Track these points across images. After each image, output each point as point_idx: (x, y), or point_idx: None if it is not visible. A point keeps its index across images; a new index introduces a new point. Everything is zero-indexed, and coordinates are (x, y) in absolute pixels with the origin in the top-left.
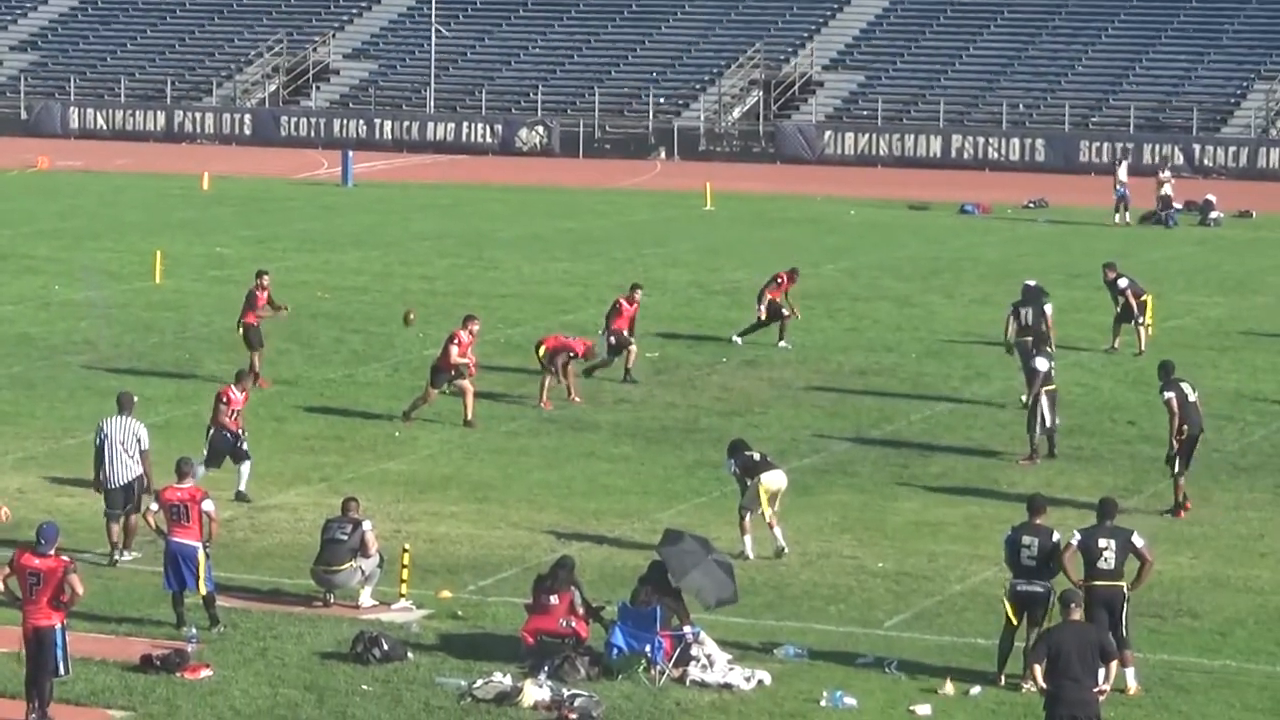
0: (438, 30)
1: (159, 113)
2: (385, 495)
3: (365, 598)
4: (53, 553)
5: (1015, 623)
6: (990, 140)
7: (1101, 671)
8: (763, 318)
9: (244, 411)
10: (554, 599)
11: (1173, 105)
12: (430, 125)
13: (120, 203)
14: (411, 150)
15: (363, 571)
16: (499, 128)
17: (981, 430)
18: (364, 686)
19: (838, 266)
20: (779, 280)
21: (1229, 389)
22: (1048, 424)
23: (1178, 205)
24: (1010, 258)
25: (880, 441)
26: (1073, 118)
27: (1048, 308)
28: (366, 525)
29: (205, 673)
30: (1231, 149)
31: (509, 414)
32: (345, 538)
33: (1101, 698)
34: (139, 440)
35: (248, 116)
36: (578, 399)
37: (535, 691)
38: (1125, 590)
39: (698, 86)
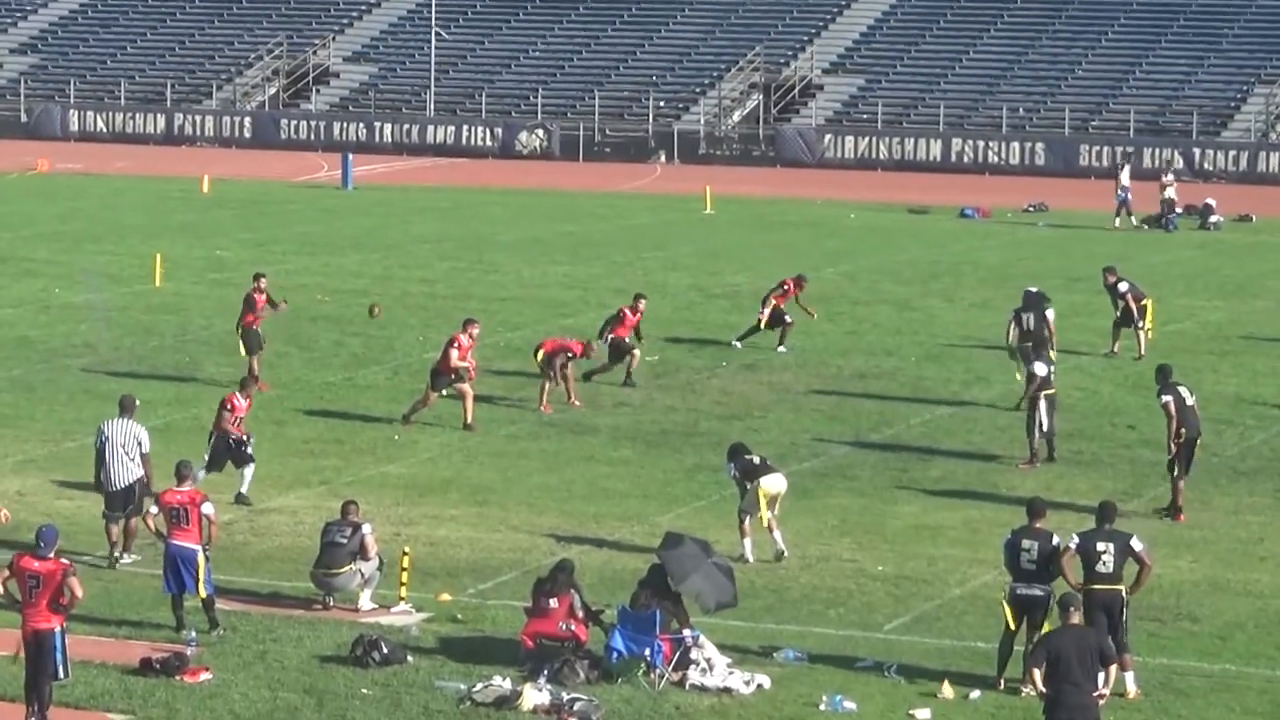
0: (438, 33)
1: (159, 115)
2: (385, 498)
3: (365, 601)
4: (52, 556)
5: (1015, 626)
6: (990, 144)
7: (1101, 675)
8: (763, 322)
9: (245, 416)
10: (553, 602)
11: (1173, 109)
12: (430, 128)
13: (120, 206)
14: (411, 153)
15: (362, 575)
16: (499, 131)
17: (981, 434)
18: (363, 690)
19: (838, 270)
20: (785, 287)
21: (1229, 393)
22: (1045, 428)
23: (1179, 209)
24: (1010, 261)
25: (880, 445)
26: (1073, 122)
27: (1049, 313)
28: (366, 528)
29: (205, 676)
30: (1231, 153)
31: (509, 417)
32: (345, 541)
33: (1101, 702)
34: (140, 443)
35: (248, 119)
36: (577, 403)
37: (535, 695)
38: (1124, 594)
39: (698, 90)
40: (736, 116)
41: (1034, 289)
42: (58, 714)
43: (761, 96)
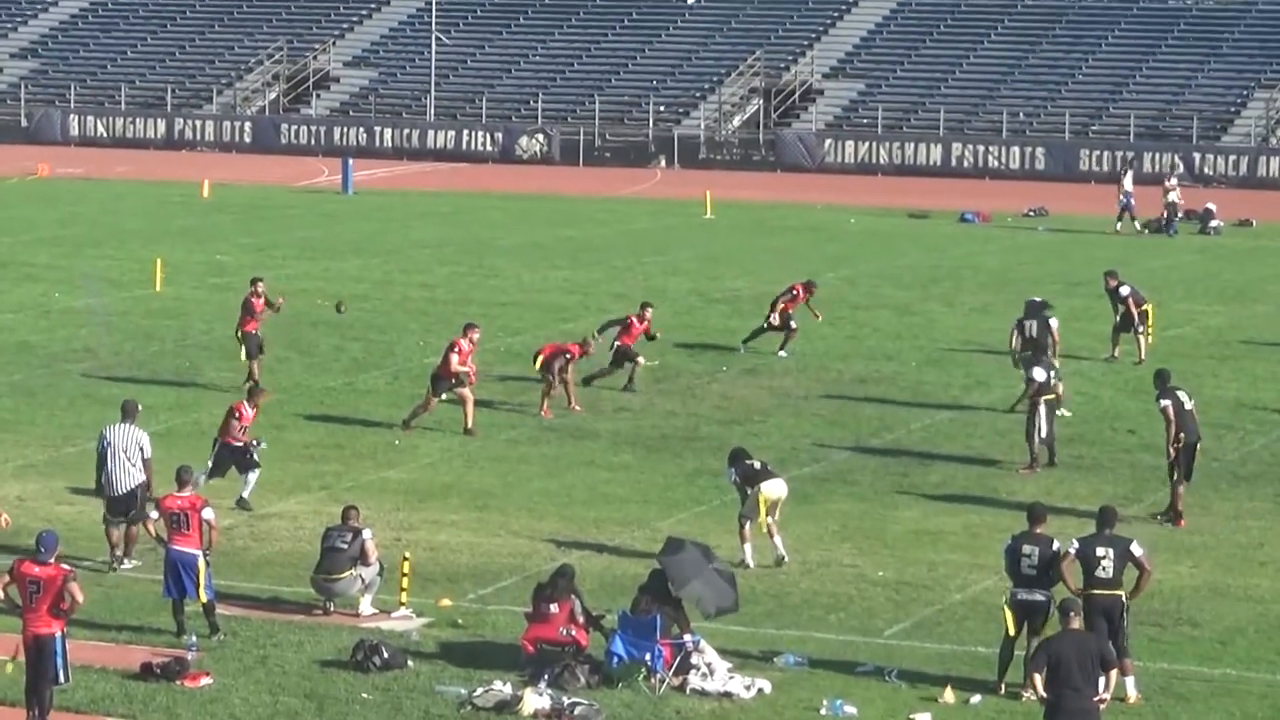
0: (438, 38)
1: (159, 120)
2: (385, 503)
3: (365, 606)
4: (53, 561)
5: (1015, 631)
6: (990, 149)
7: (1101, 680)
8: (774, 323)
9: (250, 425)
10: (554, 607)
11: (1173, 114)
12: (430, 133)
13: (120, 210)
14: (412, 158)
15: (363, 580)
16: (499, 135)
17: (981, 439)
18: (364, 695)
19: (838, 275)
20: (794, 292)
21: (1229, 398)
22: (1043, 434)
23: (1181, 214)
24: (1010, 266)
25: (880, 450)
26: (1073, 126)
27: (1053, 321)
28: (366, 533)
29: (205, 681)
30: (1231, 158)
31: (509, 422)
32: (345, 546)
33: (1102, 707)
34: (141, 448)
35: (248, 124)
36: (578, 407)
37: (535, 700)
38: (1124, 599)
39: (698, 95)
40: (737, 121)
41: (1037, 299)
42: (58, 719)
43: (761, 101)
